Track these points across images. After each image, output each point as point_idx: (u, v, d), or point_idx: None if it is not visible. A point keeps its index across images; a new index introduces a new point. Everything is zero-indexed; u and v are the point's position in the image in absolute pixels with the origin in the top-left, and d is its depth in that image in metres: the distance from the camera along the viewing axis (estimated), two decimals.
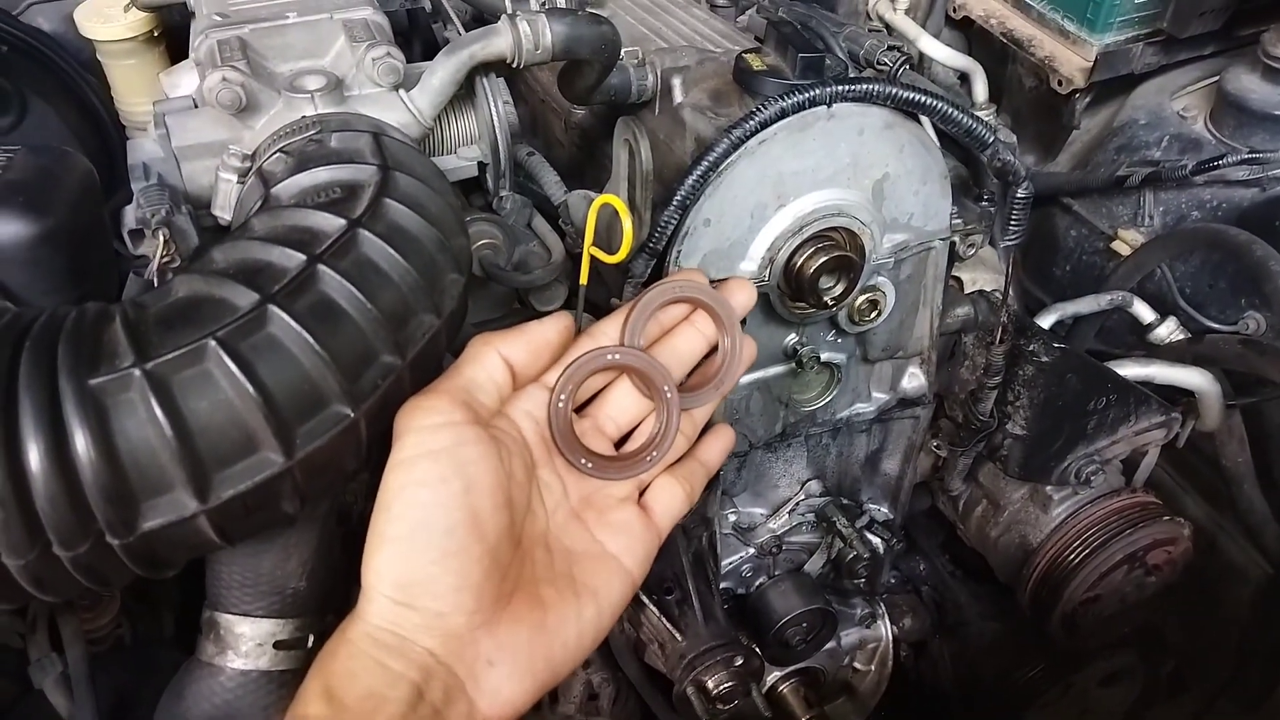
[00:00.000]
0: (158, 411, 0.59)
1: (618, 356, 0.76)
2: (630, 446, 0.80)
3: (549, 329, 0.75)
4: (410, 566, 0.66)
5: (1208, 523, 1.48)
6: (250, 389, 0.61)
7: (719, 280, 0.82)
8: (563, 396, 0.74)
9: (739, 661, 1.14)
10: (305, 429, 0.65)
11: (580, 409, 0.78)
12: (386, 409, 0.69)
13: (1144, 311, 1.37)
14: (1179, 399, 1.31)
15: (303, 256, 0.66)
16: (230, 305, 0.63)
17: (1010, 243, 1.04)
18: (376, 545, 0.66)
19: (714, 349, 0.81)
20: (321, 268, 0.66)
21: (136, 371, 0.59)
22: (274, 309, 0.63)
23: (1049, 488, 1.35)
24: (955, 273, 1.23)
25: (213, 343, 0.61)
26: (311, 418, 0.65)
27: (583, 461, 0.75)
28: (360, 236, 0.69)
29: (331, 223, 0.70)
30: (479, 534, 0.67)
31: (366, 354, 0.68)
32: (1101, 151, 1.56)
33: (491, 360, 0.72)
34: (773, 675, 1.36)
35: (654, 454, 0.78)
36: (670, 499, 0.79)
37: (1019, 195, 1.00)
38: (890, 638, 1.47)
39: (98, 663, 0.97)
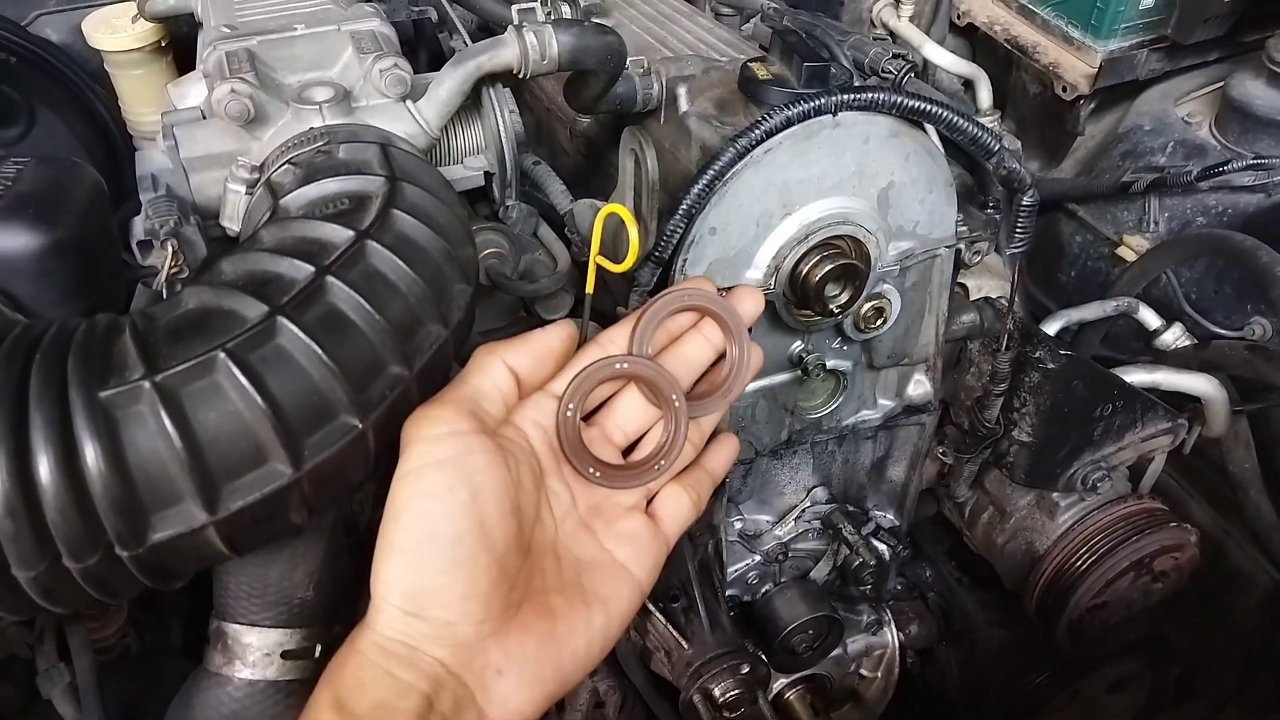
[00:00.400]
0: (167, 423, 0.59)
1: (626, 365, 0.76)
2: (638, 455, 0.80)
3: (553, 337, 0.75)
4: (419, 576, 0.66)
5: (1214, 529, 1.48)
6: (259, 400, 0.61)
7: (726, 288, 0.82)
8: (571, 405, 0.74)
9: (745, 669, 1.14)
10: (313, 440, 0.65)
11: (588, 417, 0.78)
12: (394, 419, 0.69)
13: (1149, 317, 1.36)
14: (1185, 405, 1.31)
15: (311, 268, 0.67)
16: (239, 317, 0.64)
17: (1016, 250, 1.04)
18: (385, 555, 0.66)
19: (721, 357, 0.81)
20: (330, 279, 0.66)
21: (146, 384, 0.59)
22: (283, 320, 0.64)
23: (1055, 494, 1.35)
24: (960, 280, 1.23)
25: (222, 355, 0.61)
26: (320, 429, 0.65)
27: (591, 470, 0.75)
28: (368, 248, 0.69)
29: (340, 234, 0.70)
30: (486, 543, 0.67)
31: (374, 365, 0.68)
32: (1106, 157, 1.57)
33: (496, 369, 0.73)
34: (779, 683, 1.36)
35: (662, 462, 0.78)
36: (678, 507, 0.79)
37: (1024, 203, 1.00)
38: (896, 644, 1.47)
39: (105, 672, 0.97)
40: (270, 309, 0.64)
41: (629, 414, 0.79)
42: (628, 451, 0.80)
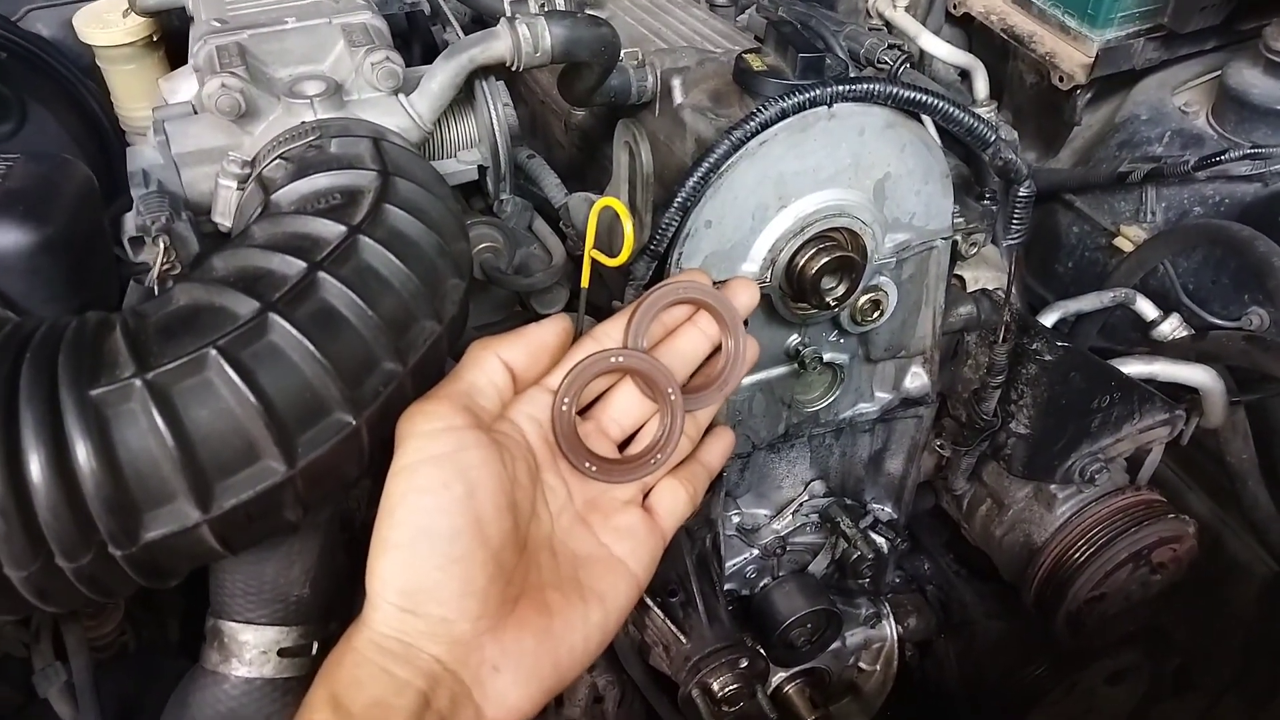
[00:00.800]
0: (159, 421, 0.59)
1: (621, 359, 0.75)
2: (634, 449, 0.79)
3: (548, 331, 0.75)
4: (414, 573, 0.65)
5: (1212, 520, 1.48)
6: (251, 398, 0.61)
7: (721, 281, 0.81)
8: (566, 400, 0.73)
9: (744, 663, 1.14)
10: (307, 437, 0.64)
11: (583, 411, 0.78)
12: (388, 416, 0.68)
13: (1147, 308, 1.36)
14: (1183, 396, 1.30)
15: (303, 264, 0.66)
16: (230, 314, 0.63)
17: (1012, 241, 1.03)
18: (380, 552, 0.66)
19: (717, 349, 0.81)
20: (322, 275, 0.66)
21: (137, 382, 0.59)
22: (275, 317, 0.63)
23: (1053, 486, 1.34)
24: (957, 271, 1.22)
25: (213, 352, 0.60)
26: (313, 426, 0.65)
27: (587, 465, 0.75)
28: (360, 243, 0.69)
29: (332, 229, 0.69)
30: (482, 539, 0.66)
31: (368, 361, 0.67)
32: (1103, 148, 1.56)
33: (491, 364, 0.72)
34: (778, 676, 1.36)
35: (659, 456, 0.78)
36: (674, 501, 0.79)
37: (1021, 194, 1.00)
38: (895, 637, 1.47)
39: (102, 670, 0.97)
40: (262, 305, 0.63)
41: (624, 408, 0.79)
42: (624, 445, 0.80)
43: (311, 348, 0.63)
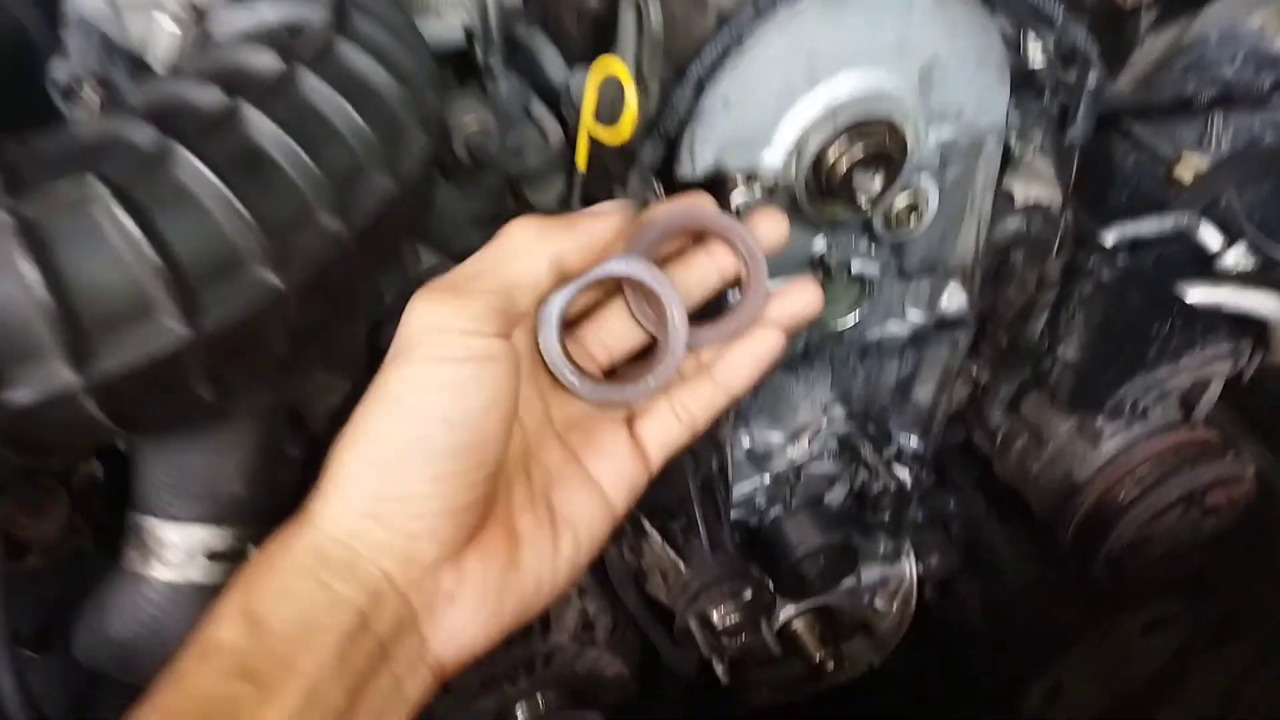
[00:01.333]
0: (26, 262, 0.49)
1: (621, 265, 0.65)
2: (625, 369, 0.70)
3: (607, 225, 0.63)
4: (394, 481, 0.56)
5: (1264, 467, 1.40)
6: (143, 241, 0.51)
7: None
8: (554, 305, 0.63)
9: (747, 594, 1.08)
10: (214, 294, 0.55)
11: (568, 327, 0.68)
12: (327, 281, 0.59)
13: (1210, 237, 1.26)
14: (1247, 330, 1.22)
15: (227, 96, 0.56)
16: (130, 146, 0.53)
17: (1076, 136, 0.93)
18: (357, 445, 0.57)
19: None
20: (248, 110, 0.56)
21: (3, 213, 0.49)
22: (182, 152, 0.53)
23: (1099, 420, 1.27)
24: (1007, 184, 1.12)
25: (100, 185, 0.51)
26: (223, 282, 0.55)
27: (570, 376, 0.65)
28: (302, 78, 0.59)
29: (269, 62, 0.59)
30: (480, 459, 0.58)
31: (300, 213, 0.58)
32: (1167, 71, 1.46)
33: (539, 264, 0.61)
34: (785, 610, 1.28)
35: (650, 380, 0.67)
36: (664, 431, 0.68)
37: (1090, 83, 0.89)
38: (914, 577, 1.40)
39: (33, 573, 0.88)
40: (168, 138, 0.53)
41: (616, 331, 0.69)
42: (609, 374, 0.70)
43: (225, 190, 0.53)
